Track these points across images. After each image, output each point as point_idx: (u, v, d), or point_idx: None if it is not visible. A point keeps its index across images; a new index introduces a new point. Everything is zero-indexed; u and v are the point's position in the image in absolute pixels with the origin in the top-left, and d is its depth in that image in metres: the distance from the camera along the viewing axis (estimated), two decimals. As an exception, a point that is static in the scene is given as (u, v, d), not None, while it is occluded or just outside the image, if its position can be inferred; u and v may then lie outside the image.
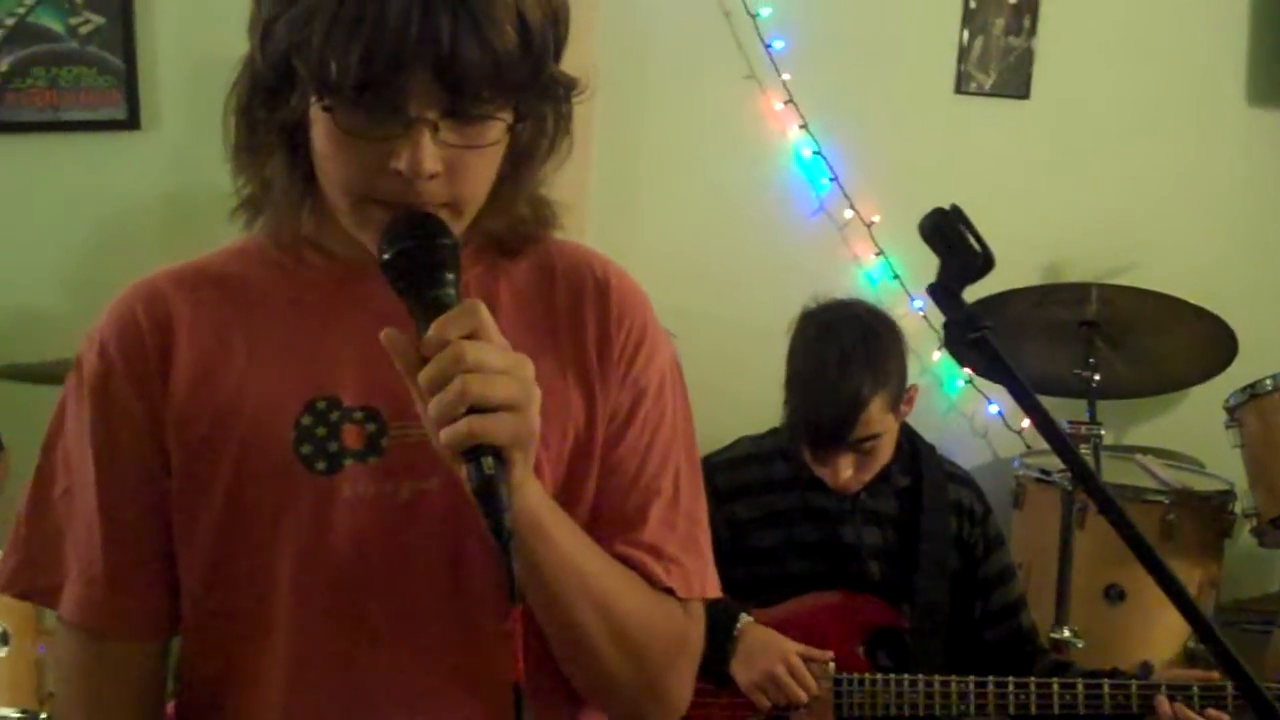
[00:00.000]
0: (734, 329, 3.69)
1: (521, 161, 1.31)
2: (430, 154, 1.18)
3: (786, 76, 3.76)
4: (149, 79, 3.38)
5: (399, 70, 1.14)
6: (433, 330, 1.13)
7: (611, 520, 1.35)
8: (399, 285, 1.19)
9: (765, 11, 3.72)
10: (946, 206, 1.21)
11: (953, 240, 1.21)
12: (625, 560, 1.33)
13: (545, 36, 1.21)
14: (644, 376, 1.38)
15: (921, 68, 3.97)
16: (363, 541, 1.30)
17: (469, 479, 1.11)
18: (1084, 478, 1.34)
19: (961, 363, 3.80)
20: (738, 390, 3.24)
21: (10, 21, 3.32)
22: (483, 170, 1.25)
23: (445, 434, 1.11)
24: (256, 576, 1.31)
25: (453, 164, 1.20)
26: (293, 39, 1.18)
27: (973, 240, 1.20)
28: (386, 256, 1.20)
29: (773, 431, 2.79)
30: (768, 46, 3.74)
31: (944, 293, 1.23)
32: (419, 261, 1.19)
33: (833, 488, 2.65)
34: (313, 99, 1.20)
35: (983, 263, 1.20)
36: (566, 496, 1.32)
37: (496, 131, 1.22)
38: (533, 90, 1.24)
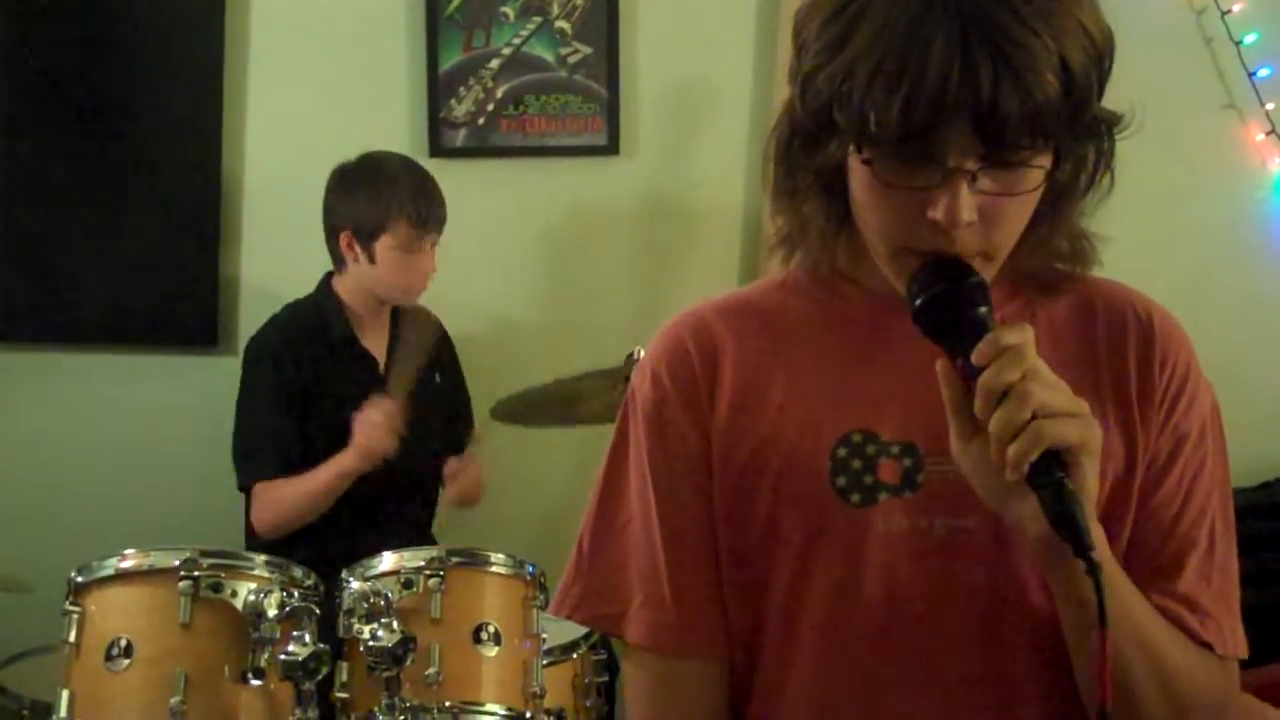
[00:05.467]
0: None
1: (1060, 200, 1.28)
2: (967, 204, 1.17)
3: (1270, 106, 3.57)
4: (629, 106, 3.55)
5: (938, 123, 1.15)
6: (989, 338, 1.15)
7: (1145, 568, 1.30)
8: (932, 330, 1.21)
9: (1250, 38, 3.54)
10: None
11: None
12: (1159, 610, 1.29)
13: (1089, 79, 1.18)
14: (1185, 422, 1.34)
15: None
16: (894, 577, 1.30)
17: (1044, 504, 1.11)
18: None
19: None
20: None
21: (507, 51, 3.57)
22: (1018, 216, 1.24)
23: (1014, 447, 1.12)
24: (787, 607, 1.33)
25: (988, 211, 1.20)
26: (833, 91, 1.20)
27: None
28: (918, 303, 1.21)
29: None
30: (1251, 75, 3.55)
31: None
32: (950, 302, 1.20)
33: None
34: (851, 150, 1.23)
35: None
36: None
37: (1034, 178, 1.21)
38: (1073, 133, 1.21)
